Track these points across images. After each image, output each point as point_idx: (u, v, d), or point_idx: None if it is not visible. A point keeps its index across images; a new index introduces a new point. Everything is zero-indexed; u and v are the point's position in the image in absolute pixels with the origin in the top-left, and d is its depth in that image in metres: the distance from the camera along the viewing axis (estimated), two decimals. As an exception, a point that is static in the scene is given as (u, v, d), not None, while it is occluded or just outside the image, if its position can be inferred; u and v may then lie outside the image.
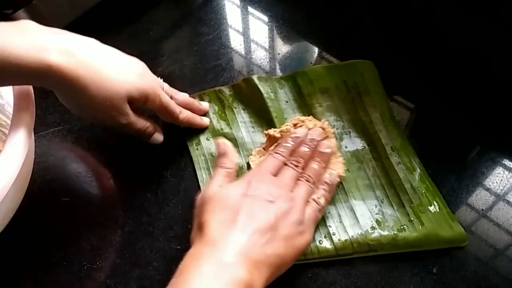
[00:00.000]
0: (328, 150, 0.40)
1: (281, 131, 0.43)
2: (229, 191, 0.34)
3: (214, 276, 0.29)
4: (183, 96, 0.46)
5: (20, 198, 0.38)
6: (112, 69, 0.37)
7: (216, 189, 0.35)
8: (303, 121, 0.44)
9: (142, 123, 0.42)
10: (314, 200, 0.37)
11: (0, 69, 0.31)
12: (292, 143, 0.40)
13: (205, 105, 0.48)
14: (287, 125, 0.44)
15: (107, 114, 0.38)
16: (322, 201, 0.37)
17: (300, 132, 0.41)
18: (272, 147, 0.43)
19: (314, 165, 0.39)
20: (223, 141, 0.40)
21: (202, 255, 0.30)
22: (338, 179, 0.40)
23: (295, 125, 0.44)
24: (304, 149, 0.40)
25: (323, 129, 0.43)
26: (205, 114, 0.48)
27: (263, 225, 0.32)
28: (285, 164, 0.38)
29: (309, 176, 0.38)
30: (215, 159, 0.40)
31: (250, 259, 0.30)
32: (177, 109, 0.44)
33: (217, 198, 0.34)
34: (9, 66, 0.31)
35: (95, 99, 0.36)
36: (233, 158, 0.38)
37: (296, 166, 0.38)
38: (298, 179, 0.37)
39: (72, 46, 0.34)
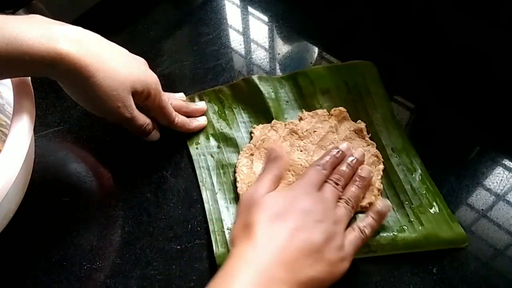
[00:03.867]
0: (368, 176, 0.39)
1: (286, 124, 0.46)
2: (279, 199, 0.34)
3: (257, 285, 0.28)
4: (178, 100, 0.47)
5: (20, 198, 0.38)
6: (117, 60, 0.38)
7: (264, 193, 0.34)
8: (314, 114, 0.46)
9: (143, 119, 0.42)
10: (359, 228, 0.35)
11: (12, 59, 0.32)
12: (335, 157, 0.39)
13: (201, 104, 0.48)
14: (291, 122, 0.46)
15: (112, 105, 0.38)
16: (367, 230, 0.35)
17: (342, 146, 0.40)
18: (257, 143, 0.45)
19: (353, 188, 0.38)
20: (276, 145, 0.41)
21: (247, 260, 0.30)
22: (389, 209, 0.38)
23: (300, 119, 0.46)
24: (345, 168, 0.38)
25: (376, 156, 0.43)
26: (203, 113, 0.48)
27: (311, 246, 0.31)
28: (326, 181, 0.37)
29: (349, 199, 0.36)
30: (266, 161, 0.38)
31: (293, 278, 0.29)
32: (174, 112, 0.44)
33: (267, 204, 0.33)
34: (21, 55, 0.32)
35: (101, 88, 0.36)
36: (285, 164, 0.38)
37: (337, 184, 0.37)
38: (338, 200, 0.36)
39: (80, 36, 0.35)
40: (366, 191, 0.40)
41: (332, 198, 0.36)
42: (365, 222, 0.36)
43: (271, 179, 0.36)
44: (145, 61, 0.42)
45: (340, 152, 0.39)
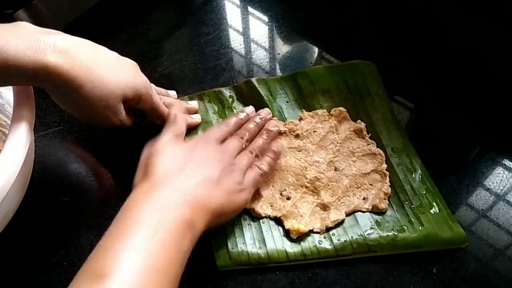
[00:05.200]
0: (275, 128, 0.43)
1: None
2: (178, 147, 0.37)
3: (159, 214, 0.31)
4: (171, 99, 0.47)
5: (20, 198, 0.38)
6: (106, 69, 0.37)
7: (166, 144, 0.37)
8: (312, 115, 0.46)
9: (131, 121, 0.43)
10: (257, 166, 0.39)
11: None
12: (239, 118, 0.43)
13: (193, 103, 0.48)
14: (291, 122, 0.46)
15: (102, 115, 0.38)
16: (264, 166, 0.40)
17: (247, 109, 0.44)
18: None
19: (260, 140, 0.42)
20: (176, 111, 0.42)
21: (148, 194, 0.32)
22: (284, 148, 0.43)
23: (300, 119, 0.46)
24: (251, 125, 0.42)
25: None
26: (195, 112, 0.48)
27: (209, 176, 0.35)
28: (231, 136, 0.41)
29: (253, 149, 0.40)
30: (166, 124, 0.41)
31: (195, 202, 0.33)
32: (167, 110, 0.44)
33: (167, 151, 0.36)
34: (7, 67, 0.32)
35: (90, 99, 0.36)
36: (184, 126, 0.41)
37: (241, 138, 0.41)
38: (242, 151, 0.40)
39: (67, 46, 0.34)
40: (275, 141, 0.43)
41: (232, 149, 0.39)
42: (262, 160, 0.40)
43: (172, 132, 0.39)
44: (136, 64, 0.42)
45: (245, 114, 0.44)
